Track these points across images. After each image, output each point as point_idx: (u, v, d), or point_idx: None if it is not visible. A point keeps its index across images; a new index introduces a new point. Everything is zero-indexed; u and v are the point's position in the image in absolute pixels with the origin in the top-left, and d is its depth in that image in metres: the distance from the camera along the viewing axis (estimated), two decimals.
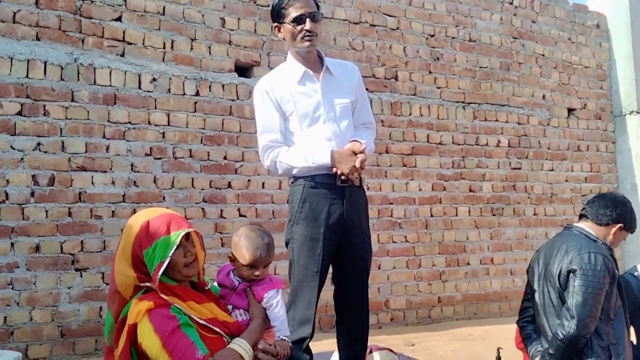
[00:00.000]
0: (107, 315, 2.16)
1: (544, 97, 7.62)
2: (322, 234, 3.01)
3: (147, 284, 2.08)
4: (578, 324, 2.95)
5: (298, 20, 3.06)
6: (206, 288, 2.30)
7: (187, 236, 2.17)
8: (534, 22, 7.65)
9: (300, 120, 3.12)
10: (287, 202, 3.22)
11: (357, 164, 3.00)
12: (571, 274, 3.04)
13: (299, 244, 3.06)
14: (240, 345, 2.11)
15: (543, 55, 7.68)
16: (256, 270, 2.35)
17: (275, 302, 2.31)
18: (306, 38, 3.08)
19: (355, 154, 3.03)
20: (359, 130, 3.28)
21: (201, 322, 2.07)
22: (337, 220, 3.04)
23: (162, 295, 2.04)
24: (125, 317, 2.04)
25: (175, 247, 2.08)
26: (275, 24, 3.18)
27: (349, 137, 3.15)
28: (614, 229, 3.22)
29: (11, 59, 4.63)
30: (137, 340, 2.01)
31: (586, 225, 3.26)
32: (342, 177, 3.03)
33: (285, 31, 3.13)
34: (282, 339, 2.29)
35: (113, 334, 2.09)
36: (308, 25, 3.06)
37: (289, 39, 3.13)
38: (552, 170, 7.58)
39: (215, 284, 2.44)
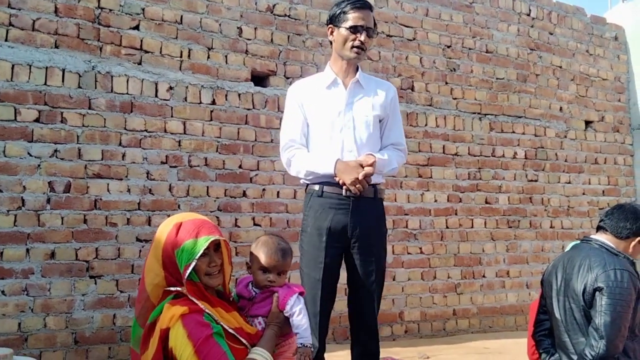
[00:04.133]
0: (134, 320, 2.15)
1: (561, 109, 7.56)
2: (324, 242, 3.03)
3: (177, 289, 2.06)
4: (608, 344, 2.85)
5: (355, 29, 3.10)
6: (230, 299, 2.29)
7: (217, 247, 2.17)
8: (551, 33, 7.61)
9: (320, 125, 3.15)
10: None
11: (360, 176, 2.97)
12: (597, 292, 2.94)
13: (305, 252, 3.11)
14: (259, 354, 2.10)
15: (560, 67, 7.63)
16: (270, 275, 2.35)
17: (298, 310, 2.30)
18: (355, 49, 3.13)
19: (362, 167, 3.01)
20: (387, 149, 3.26)
21: (230, 331, 2.05)
22: (341, 231, 3.05)
23: (194, 299, 2.03)
24: (154, 322, 2.02)
25: (201, 252, 2.07)
26: (330, 25, 3.21)
27: (368, 150, 3.14)
28: (634, 242, 3.12)
29: (30, 66, 4.67)
30: (167, 346, 1.99)
31: (605, 238, 3.16)
32: (345, 188, 3.03)
33: (338, 35, 3.16)
34: (304, 345, 2.26)
35: (141, 338, 2.07)
36: (363, 36, 3.11)
37: (339, 43, 3.16)
38: (569, 182, 7.51)
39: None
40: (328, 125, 3.14)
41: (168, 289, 2.09)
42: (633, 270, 3.01)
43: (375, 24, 3.22)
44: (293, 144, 3.17)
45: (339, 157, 3.06)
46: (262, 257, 2.37)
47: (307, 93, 3.20)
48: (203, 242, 2.10)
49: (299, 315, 2.29)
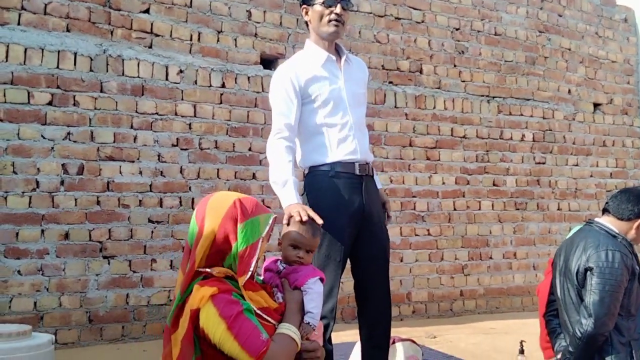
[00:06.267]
0: (178, 295, 2.17)
1: (569, 91, 7.56)
2: (344, 222, 2.99)
3: (207, 270, 2.10)
4: (596, 322, 2.92)
5: (329, 3, 3.01)
6: (254, 280, 2.32)
7: None
8: (560, 15, 7.58)
9: (322, 105, 3.05)
10: (303, 194, 3.12)
11: (304, 218, 2.63)
12: (588, 272, 3.00)
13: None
14: (288, 328, 2.14)
15: (569, 49, 7.61)
16: (300, 252, 2.41)
17: (315, 291, 2.33)
18: (333, 22, 3.02)
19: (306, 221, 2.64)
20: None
21: (257, 311, 2.10)
22: (358, 209, 3.02)
23: (224, 279, 2.08)
24: (183, 303, 2.05)
25: (268, 227, 2.16)
26: (304, 6, 3.12)
27: (364, 127, 3.17)
28: (636, 224, 3.13)
29: (42, 50, 4.72)
30: (198, 326, 2.04)
31: (607, 220, 3.18)
32: (358, 165, 3.04)
33: (314, 13, 3.06)
34: (309, 324, 2.30)
35: (173, 314, 2.11)
36: (338, 9, 3.01)
37: (316, 20, 3.06)
38: (576, 165, 7.52)
39: (261, 278, 2.48)
40: (331, 105, 3.05)
41: (198, 269, 2.12)
42: (628, 252, 3.04)
43: None
44: (282, 132, 3.01)
45: (297, 202, 2.92)
46: (293, 234, 2.45)
47: (304, 74, 3.05)
48: (268, 218, 2.19)
49: (314, 297, 2.32)
